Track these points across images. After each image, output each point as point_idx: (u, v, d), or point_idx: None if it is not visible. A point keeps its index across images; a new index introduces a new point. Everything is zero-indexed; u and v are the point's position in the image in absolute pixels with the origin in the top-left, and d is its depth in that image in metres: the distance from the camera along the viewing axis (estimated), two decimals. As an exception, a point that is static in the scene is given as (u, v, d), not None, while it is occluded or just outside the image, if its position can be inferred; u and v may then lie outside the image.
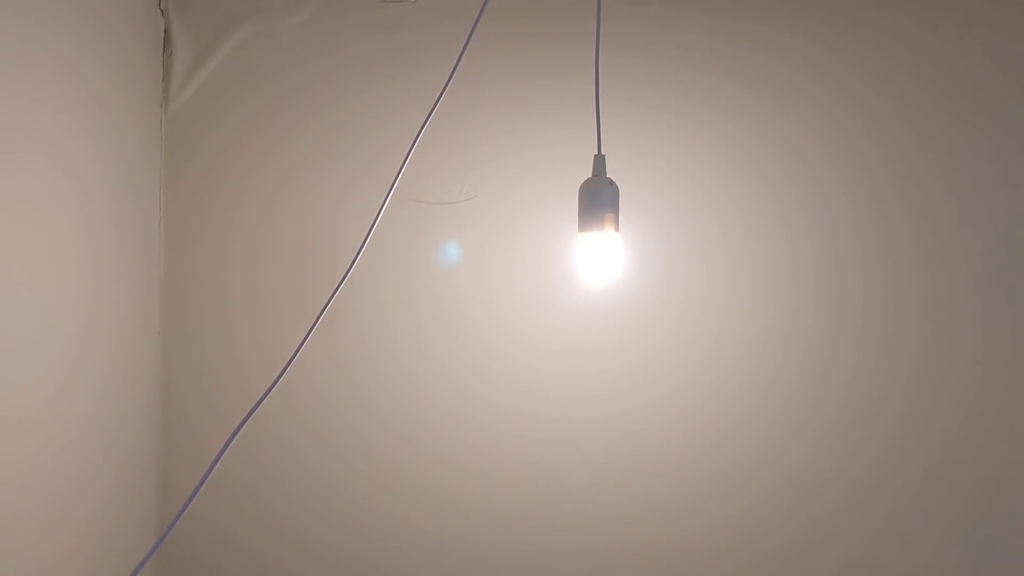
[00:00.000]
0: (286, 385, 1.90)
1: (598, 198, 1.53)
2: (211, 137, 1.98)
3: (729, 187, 1.97)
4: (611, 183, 1.54)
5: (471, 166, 1.98)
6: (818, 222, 1.97)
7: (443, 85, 1.47)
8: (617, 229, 1.53)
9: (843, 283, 1.96)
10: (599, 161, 1.55)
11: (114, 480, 1.76)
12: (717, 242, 1.97)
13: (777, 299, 1.96)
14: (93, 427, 1.67)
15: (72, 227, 1.60)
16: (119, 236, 1.78)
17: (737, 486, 1.96)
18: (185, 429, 1.95)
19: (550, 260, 1.95)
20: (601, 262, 1.54)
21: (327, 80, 1.98)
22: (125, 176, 1.80)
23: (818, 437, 1.96)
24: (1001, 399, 1.94)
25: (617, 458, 1.96)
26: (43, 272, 1.50)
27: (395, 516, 1.97)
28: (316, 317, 1.36)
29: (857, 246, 1.96)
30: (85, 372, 1.64)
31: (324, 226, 1.95)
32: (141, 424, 1.89)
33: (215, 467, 1.24)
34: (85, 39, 1.62)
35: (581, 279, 1.72)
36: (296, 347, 1.35)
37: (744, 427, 1.96)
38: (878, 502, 1.95)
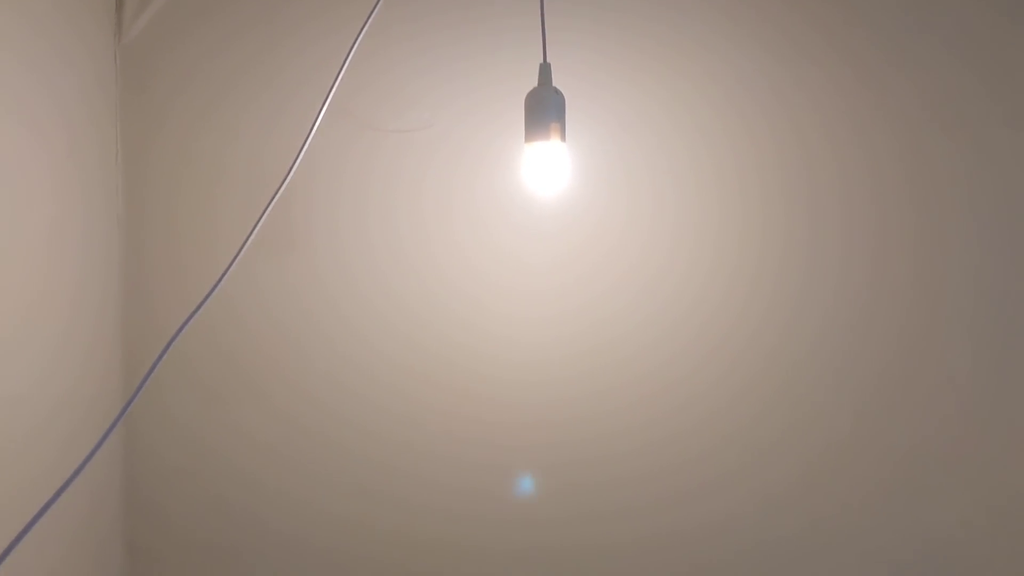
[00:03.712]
0: (241, 314, 1.93)
1: (543, 108, 1.50)
2: (166, 67, 1.95)
3: (688, 97, 1.94)
4: (557, 92, 1.51)
5: (428, 91, 1.95)
6: (785, 132, 1.93)
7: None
8: (563, 139, 1.50)
9: (814, 193, 1.93)
10: (544, 69, 1.52)
11: (83, 412, 1.76)
12: (681, 156, 1.94)
13: (737, 207, 1.94)
14: (58, 365, 1.67)
15: (26, 160, 1.58)
16: (77, 168, 1.76)
17: (698, 398, 1.95)
18: (147, 366, 1.94)
19: (504, 182, 1.92)
20: (548, 172, 1.51)
21: (283, 7, 1.95)
22: (80, 108, 1.78)
23: (769, 351, 1.94)
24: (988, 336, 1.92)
25: (574, 374, 1.95)
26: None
27: (346, 446, 1.96)
28: (249, 232, 1.33)
29: (831, 159, 1.93)
30: (48, 304, 1.64)
31: (281, 154, 1.92)
32: (105, 362, 1.88)
33: (147, 379, 1.23)
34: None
35: (528, 190, 1.69)
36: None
37: (700, 339, 1.94)
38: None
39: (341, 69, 1.42)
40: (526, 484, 1.96)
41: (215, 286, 1.29)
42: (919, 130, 1.92)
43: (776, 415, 1.94)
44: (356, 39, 1.42)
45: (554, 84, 1.52)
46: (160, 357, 1.23)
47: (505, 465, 1.96)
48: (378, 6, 1.43)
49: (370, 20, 1.42)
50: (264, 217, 1.34)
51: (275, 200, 1.34)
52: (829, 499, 1.93)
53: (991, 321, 1.92)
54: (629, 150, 1.94)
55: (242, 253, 1.32)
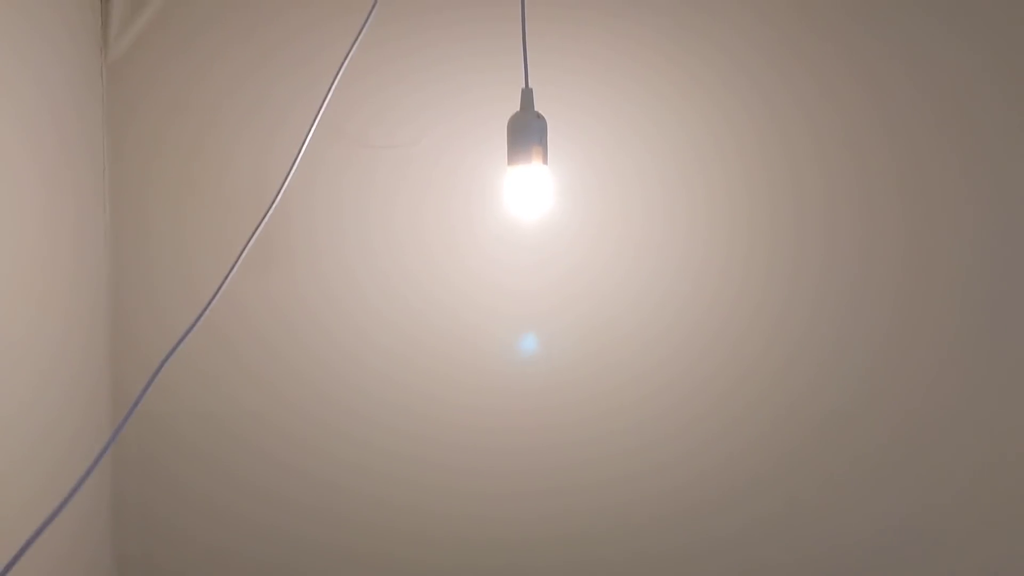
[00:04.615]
0: (221, 330, 1.96)
1: (525, 131, 1.53)
2: (152, 85, 1.99)
3: (665, 118, 2.00)
4: (538, 116, 1.54)
5: (412, 107, 1.99)
6: (775, 142, 1.99)
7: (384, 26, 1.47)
8: (545, 161, 1.54)
9: (800, 209, 1.99)
10: (526, 95, 1.55)
11: (72, 433, 1.78)
12: (662, 171, 2.00)
13: (712, 225, 2.00)
14: (48, 385, 1.70)
15: (22, 164, 1.60)
16: (72, 175, 1.79)
17: (687, 399, 2.01)
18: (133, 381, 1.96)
19: (486, 203, 1.97)
20: (530, 195, 1.54)
21: (266, 26, 1.99)
22: (72, 116, 1.81)
23: (755, 356, 2.00)
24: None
25: (562, 381, 2.01)
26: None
27: (331, 451, 2.01)
28: (239, 254, 1.35)
29: (817, 163, 1.98)
30: (40, 324, 1.66)
31: (258, 169, 1.96)
32: (94, 381, 1.90)
33: (139, 403, 1.25)
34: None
35: (511, 213, 1.73)
36: (224, 291, 1.34)
37: (688, 345, 2.00)
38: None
39: (331, 86, 1.44)
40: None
41: (202, 313, 1.30)
42: (911, 122, 1.98)
43: (761, 412, 2.00)
44: (346, 56, 1.45)
45: (537, 107, 1.55)
46: (145, 389, 1.25)
47: (494, 471, 2.01)
48: (365, 27, 1.46)
49: (359, 38, 1.45)
50: (252, 239, 1.36)
51: (265, 219, 1.37)
52: (809, 479, 2.00)
53: (980, 312, 1.97)
54: (610, 169, 1.99)
55: (229, 276, 1.34)
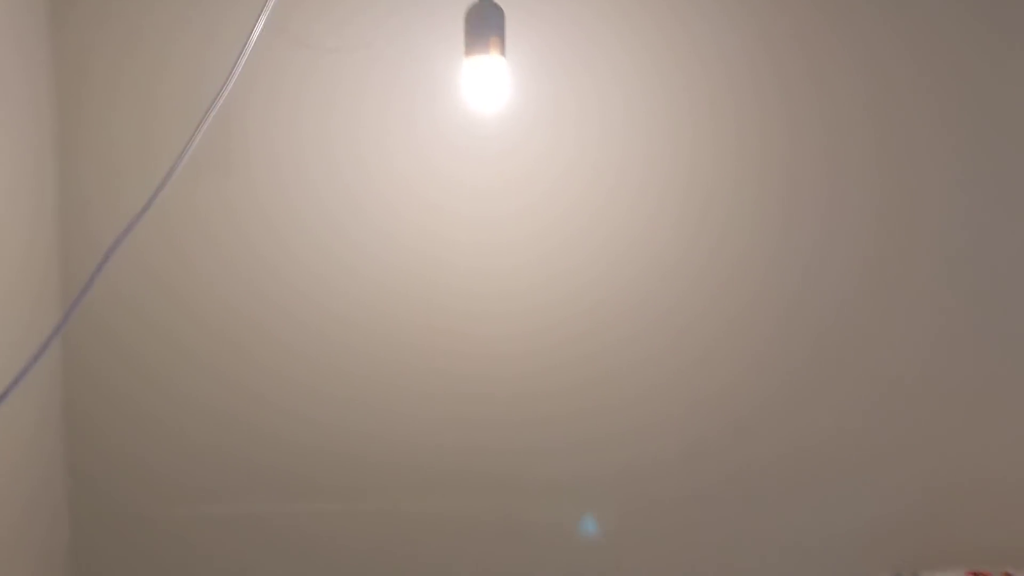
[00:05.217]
0: (177, 236, 1.91)
1: (482, 22, 1.50)
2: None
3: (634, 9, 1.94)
4: (495, 6, 1.50)
5: (365, 8, 1.92)
6: (736, 52, 1.96)
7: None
8: (503, 53, 1.50)
9: (739, 120, 1.97)
10: (484, -16, 1.50)
11: (18, 332, 1.73)
12: (626, 69, 1.95)
13: (687, 119, 1.96)
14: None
15: None
16: (7, 84, 1.70)
17: (623, 317, 1.98)
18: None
19: (444, 100, 1.90)
20: (488, 87, 1.51)
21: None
22: (8, 25, 1.72)
23: (700, 266, 1.98)
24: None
25: (527, 305, 1.98)
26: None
27: (279, 367, 1.97)
28: (184, 147, 1.30)
29: (778, 82, 1.96)
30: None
31: (218, 73, 1.88)
32: (40, 277, 1.85)
33: (83, 297, 1.22)
34: None
35: (469, 106, 1.69)
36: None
37: (655, 264, 1.97)
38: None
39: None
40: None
41: (148, 203, 1.27)
42: (880, 54, 1.97)
43: (738, 340, 1.99)
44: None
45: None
46: (93, 276, 1.22)
47: (453, 393, 1.98)
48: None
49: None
50: (198, 137, 1.31)
51: (209, 120, 1.32)
52: (794, 430, 2.01)
53: (953, 263, 1.99)
54: (572, 66, 1.93)
55: (176, 173, 1.30)
